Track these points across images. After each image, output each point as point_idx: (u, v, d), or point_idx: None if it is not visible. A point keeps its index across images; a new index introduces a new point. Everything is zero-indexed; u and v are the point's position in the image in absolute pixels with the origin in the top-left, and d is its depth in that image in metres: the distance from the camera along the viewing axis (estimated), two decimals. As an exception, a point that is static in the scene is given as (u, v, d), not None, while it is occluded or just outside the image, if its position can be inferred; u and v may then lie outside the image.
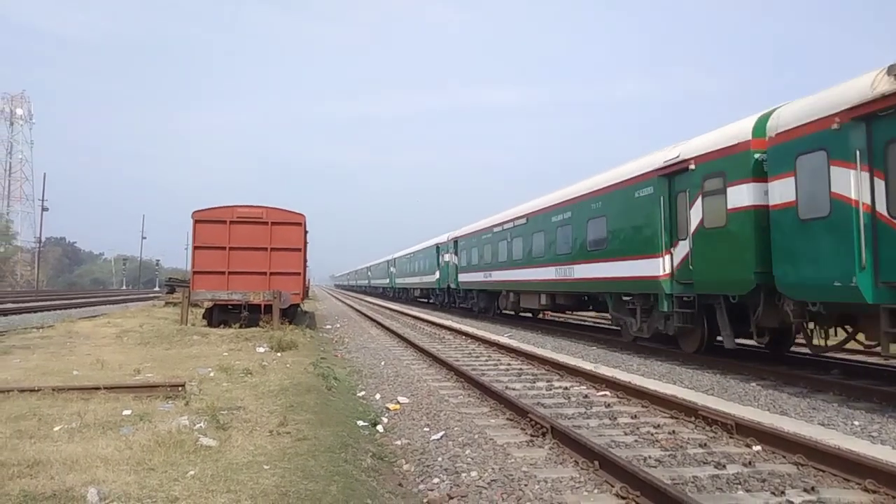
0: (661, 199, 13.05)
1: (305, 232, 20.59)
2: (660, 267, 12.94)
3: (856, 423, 7.52)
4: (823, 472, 5.55)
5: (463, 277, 30.57)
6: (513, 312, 26.01)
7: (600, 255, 15.80)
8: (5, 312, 24.31)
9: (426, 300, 45.44)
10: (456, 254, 31.97)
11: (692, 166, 11.97)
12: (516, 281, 22.61)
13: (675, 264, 12.68)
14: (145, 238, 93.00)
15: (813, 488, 5.12)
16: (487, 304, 28.20)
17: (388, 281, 60.35)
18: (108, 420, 6.31)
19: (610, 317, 16.89)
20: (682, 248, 12.47)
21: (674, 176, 12.80)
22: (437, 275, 36.45)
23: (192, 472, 4.68)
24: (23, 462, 4.80)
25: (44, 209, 72.66)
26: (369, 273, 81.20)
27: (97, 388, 7.60)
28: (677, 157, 12.58)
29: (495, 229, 25.21)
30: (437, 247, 36.44)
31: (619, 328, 16.12)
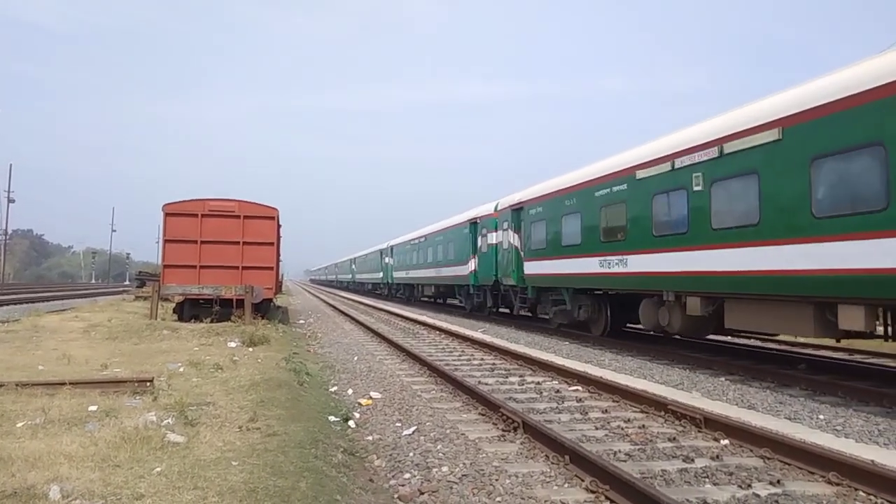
0: None
1: (279, 226, 20.40)
2: None
3: (821, 416, 7.68)
4: (789, 465, 5.64)
5: (533, 268, 19.12)
6: (655, 332, 14.85)
7: None
8: (-32, 306, 23.74)
9: (434, 300, 35.17)
10: (517, 231, 20.47)
11: None
12: (710, 274, 11.24)
13: None
14: (115, 231, 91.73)
15: (779, 481, 5.21)
16: (592, 314, 16.49)
17: (381, 275, 48.01)
18: (74, 416, 6.17)
19: None
20: None
21: None
22: (472, 265, 24.80)
23: (158, 469, 4.60)
24: (-18, 459, 4.67)
25: (10, 200, 71.01)
26: (353, 266, 67.92)
27: (62, 384, 7.43)
28: None
29: (639, 174, 13.41)
30: (474, 224, 25.00)
31: None
